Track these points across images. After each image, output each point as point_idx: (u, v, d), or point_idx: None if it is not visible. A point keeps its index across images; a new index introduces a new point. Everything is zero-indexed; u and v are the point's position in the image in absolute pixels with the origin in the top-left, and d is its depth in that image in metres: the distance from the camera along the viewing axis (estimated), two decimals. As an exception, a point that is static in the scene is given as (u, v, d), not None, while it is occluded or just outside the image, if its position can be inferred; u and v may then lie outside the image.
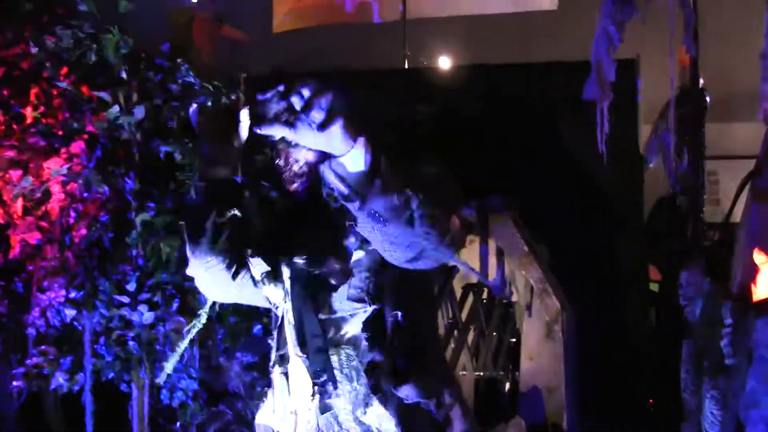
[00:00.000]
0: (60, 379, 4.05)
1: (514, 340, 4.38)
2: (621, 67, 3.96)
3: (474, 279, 4.23)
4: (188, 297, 4.05)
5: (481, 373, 4.15)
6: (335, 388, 1.98)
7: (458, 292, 4.19)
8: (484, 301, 4.29)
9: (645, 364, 4.96)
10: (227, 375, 4.17)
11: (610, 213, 4.98)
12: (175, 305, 4.03)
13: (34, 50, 4.09)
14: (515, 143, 4.98)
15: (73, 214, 4.07)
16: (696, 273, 3.86)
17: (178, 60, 4.04)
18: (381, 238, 1.82)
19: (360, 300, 1.99)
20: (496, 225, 4.02)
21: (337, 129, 1.68)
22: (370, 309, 1.98)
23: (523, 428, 4.12)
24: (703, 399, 3.66)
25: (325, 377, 1.97)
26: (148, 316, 3.98)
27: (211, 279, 2.09)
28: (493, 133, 4.96)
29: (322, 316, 2.01)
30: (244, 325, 4.16)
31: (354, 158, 1.71)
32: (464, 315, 4.10)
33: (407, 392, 1.95)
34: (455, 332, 3.94)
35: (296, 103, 1.68)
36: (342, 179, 1.73)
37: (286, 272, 2.08)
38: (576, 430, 4.29)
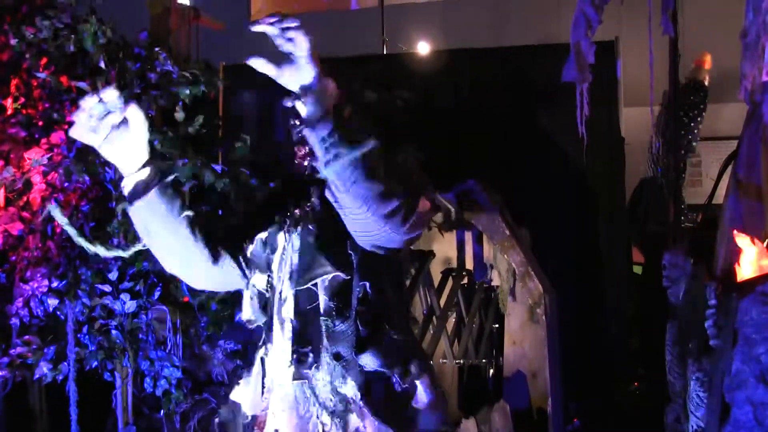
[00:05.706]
0: (44, 368, 4.05)
1: (496, 325, 4.38)
2: (600, 49, 3.96)
3: (453, 264, 4.23)
4: (170, 286, 4.06)
5: (461, 361, 4.15)
6: (316, 360, 2.01)
7: (437, 279, 4.18)
8: (465, 286, 4.28)
9: (629, 347, 4.97)
10: (210, 363, 4.19)
11: (593, 195, 4.98)
12: (157, 294, 4.04)
13: (13, 42, 4.08)
14: (495, 127, 4.98)
15: (54, 204, 4.06)
16: (679, 254, 3.84)
17: (156, 49, 4.03)
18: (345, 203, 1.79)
19: (330, 267, 2.01)
20: (478, 210, 4.02)
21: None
22: (335, 274, 2.00)
23: (507, 413, 4.13)
24: (689, 381, 3.64)
25: (310, 347, 2.01)
26: (130, 305, 3.99)
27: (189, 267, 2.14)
28: (472, 117, 4.96)
29: (297, 288, 2.04)
30: (227, 313, 4.16)
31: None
32: (444, 302, 4.10)
33: (367, 360, 2.00)
34: (433, 319, 3.93)
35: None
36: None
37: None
38: (560, 413, 4.30)
